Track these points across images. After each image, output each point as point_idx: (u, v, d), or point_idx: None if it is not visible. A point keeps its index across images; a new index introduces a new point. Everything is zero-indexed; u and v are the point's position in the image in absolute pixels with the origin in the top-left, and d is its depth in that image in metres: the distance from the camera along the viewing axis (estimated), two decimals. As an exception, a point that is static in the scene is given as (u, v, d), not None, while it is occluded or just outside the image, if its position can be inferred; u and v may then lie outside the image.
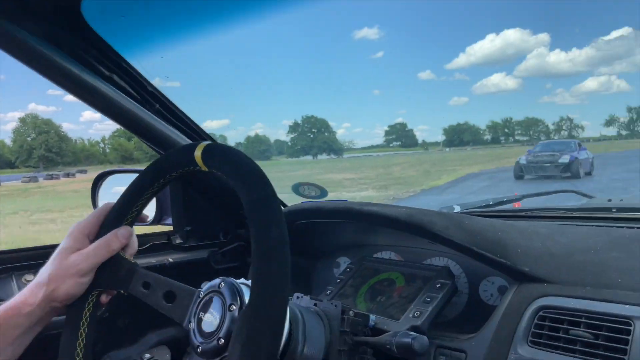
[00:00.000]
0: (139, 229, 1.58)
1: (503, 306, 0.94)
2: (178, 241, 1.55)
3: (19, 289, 1.14)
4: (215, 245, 1.60)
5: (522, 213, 1.49)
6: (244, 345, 0.64)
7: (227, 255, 1.59)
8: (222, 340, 0.75)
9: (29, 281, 1.19)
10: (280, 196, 1.64)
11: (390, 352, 0.91)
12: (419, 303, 1.05)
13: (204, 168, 0.78)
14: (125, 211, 0.92)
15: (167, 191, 1.54)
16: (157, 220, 1.59)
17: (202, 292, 0.86)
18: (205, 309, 0.83)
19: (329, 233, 1.42)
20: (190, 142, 1.29)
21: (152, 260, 1.44)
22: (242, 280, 0.82)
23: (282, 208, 1.53)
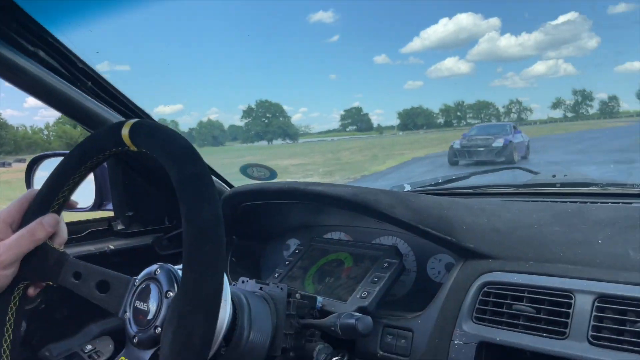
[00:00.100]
0: (77, 216, 1.51)
1: (449, 283, 0.94)
2: (120, 227, 1.49)
3: None
4: (160, 230, 1.54)
5: (470, 190, 1.49)
6: (175, 331, 0.60)
7: (173, 241, 1.54)
8: (159, 329, 0.72)
9: None
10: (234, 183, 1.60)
11: (335, 334, 0.89)
12: (366, 283, 1.04)
13: (133, 148, 0.73)
14: (50, 197, 0.85)
15: (106, 174, 1.47)
16: (97, 205, 1.51)
17: (137, 280, 0.82)
18: (141, 297, 0.79)
19: (278, 214, 1.39)
20: None
21: (91, 248, 1.37)
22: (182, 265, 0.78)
23: (228, 189, 1.49)
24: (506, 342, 0.81)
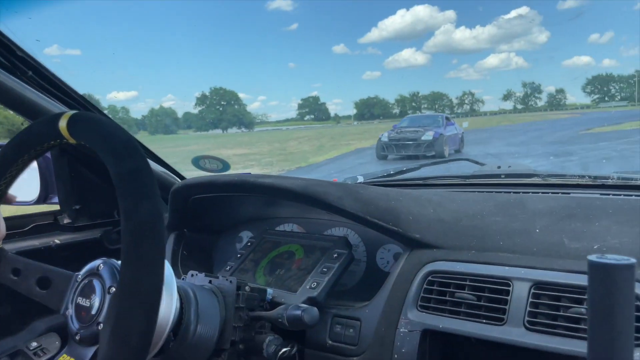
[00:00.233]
0: (20, 210, 1.46)
1: (395, 273, 0.96)
2: (66, 221, 1.44)
3: None
4: (109, 224, 1.51)
5: (420, 182, 1.53)
6: (114, 329, 0.59)
7: (123, 235, 1.50)
8: (102, 325, 0.70)
9: None
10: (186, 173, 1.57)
11: (282, 325, 0.90)
12: (316, 274, 1.05)
13: (72, 140, 0.71)
14: None
15: (51, 166, 1.42)
16: (42, 199, 1.46)
17: (80, 276, 0.81)
18: (83, 293, 0.78)
19: (230, 207, 1.38)
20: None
21: (36, 242, 1.33)
22: None
23: (178, 181, 1.47)
24: (448, 329, 0.84)
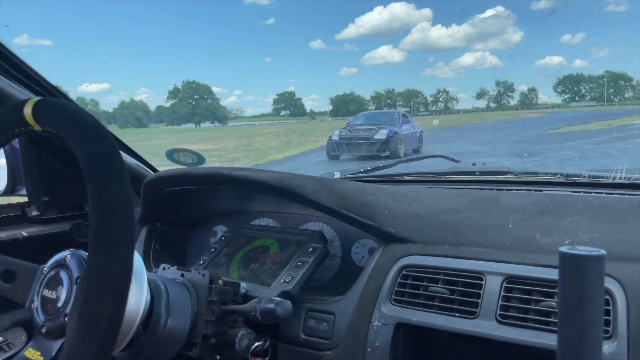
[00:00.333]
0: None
1: (370, 267, 0.96)
2: (34, 213, 1.40)
3: None
4: (79, 216, 1.47)
5: (396, 178, 1.53)
6: (81, 314, 0.58)
7: (93, 227, 1.47)
8: (69, 314, 0.69)
9: None
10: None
11: (255, 319, 0.89)
12: (290, 268, 1.04)
13: (37, 127, 0.69)
14: None
15: (18, 157, 1.38)
16: (10, 190, 1.42)
17: (46, 268, 0.79)
18: (50, 285, 0.76)
19: (204, 201, 1.36)
20: None
21: (2, 235, 1.29)
22: None
23: (151, 174, 1.44)
24: (421, 322, 0.85)
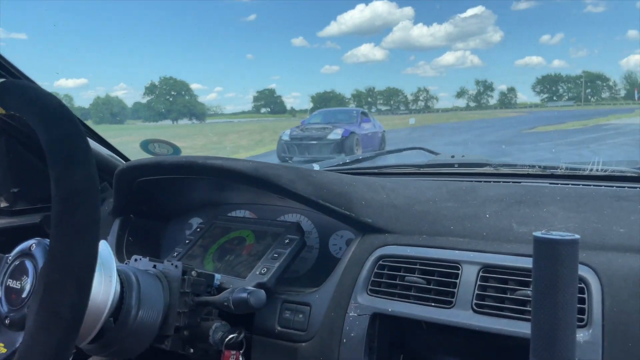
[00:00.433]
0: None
1: (346, 257, 0.95)
2: (3, 204, 1.37)
3: None
4: (50, 208, 1.43)
5: (375, 170, 1.53)
6: (42, 302, 0.55)
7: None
8: (29, 306, 0.66)
9: None
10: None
11: (228, 309, 0.87)
12: (266, 260, 1.03)
13: (1, 111, 0.66)
14: None
15: (-15, 147, 1.33)
16: (-23, 181, 1.38)
17: (10, 258, 0.76)
18: (14, 275, 0.74)
19: (179, 192, 1.33)
20: None
21: None
22: None
23: (123, 162, 1.41)
24: (398, 312, 0.84)
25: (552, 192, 1.01)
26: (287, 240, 1.06)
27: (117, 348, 0.83)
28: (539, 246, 0.50)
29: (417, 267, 0.87)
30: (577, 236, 0.49)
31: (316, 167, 1.68)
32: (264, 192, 1.15)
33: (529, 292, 0.76)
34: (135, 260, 0.98)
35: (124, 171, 1.17)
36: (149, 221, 1.36)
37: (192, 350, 0.93)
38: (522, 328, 0.74)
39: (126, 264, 0.99)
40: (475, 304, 0.79)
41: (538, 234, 0.50)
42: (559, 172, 1.27)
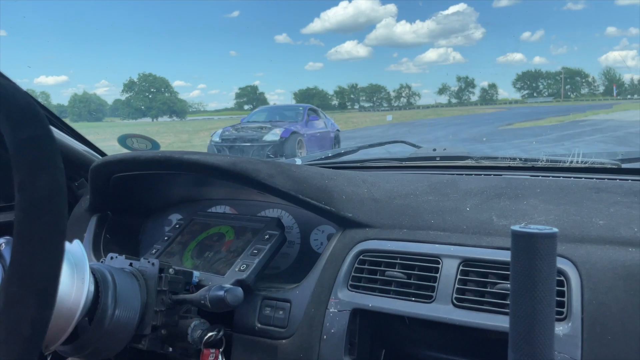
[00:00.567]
0: None
1: (327, 253, 0.94)
2: (-24, 202, 1.32)
3: None
4: None
5: (357, 164, 1.52)
6: (1, 315, 0.52)
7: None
8: None
9: None
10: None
11: (205, 307, 0.86)
12: (246, 256, 1.01)
13: None
14: None
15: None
16: (-53, 178, 1.33)
17: None
18: None
19: (158, 188, 1.31)
20: None
21: None
22: None
23: (99, 158, 1.37)
24: (378, 307, 0.83)
25: (533, 185, 1.01)
26: (267, 236, 1.05)
27: (94, 349, 0.81)
28: (517, 240, 0.49)
29: (398, 261, 0.86)
30: (555, 230, 0.49)
31: (298, 161, 1.66)
32: (244, 187, 1.13)
33: (509, 285, 0.75)
34: (111, 258, 0.96)
35: (99, 166, 1.14)
36: (127, 218, 1.33)
37: (171, 349, 0.91)
38: (502, 322, 0.73)
39: (102, 262, 0.96)
40: (456, 298, 0.78)
41: (516, 227, 0.49)
42: (539, 164, 1.27)
